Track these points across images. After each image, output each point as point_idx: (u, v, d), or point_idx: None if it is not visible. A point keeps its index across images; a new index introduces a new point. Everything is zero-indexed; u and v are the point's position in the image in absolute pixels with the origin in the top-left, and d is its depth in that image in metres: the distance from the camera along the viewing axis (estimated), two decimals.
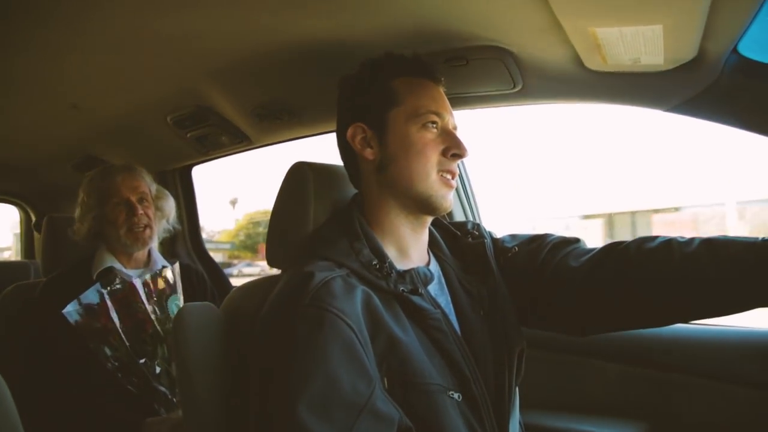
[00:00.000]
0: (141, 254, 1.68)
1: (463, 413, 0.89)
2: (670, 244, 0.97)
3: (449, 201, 1.00)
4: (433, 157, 0.97)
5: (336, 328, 0.80)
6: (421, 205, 0.99)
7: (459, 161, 1.00)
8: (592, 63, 1.13)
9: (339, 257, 0.92)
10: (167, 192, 1.79)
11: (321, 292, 0.83)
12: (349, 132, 1.02)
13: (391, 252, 0.98)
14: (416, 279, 0.94)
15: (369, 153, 1.00)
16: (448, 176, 0.99)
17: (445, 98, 1.04)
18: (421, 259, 1.03)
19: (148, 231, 1.64)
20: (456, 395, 0.89)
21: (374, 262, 0.92)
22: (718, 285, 0.91)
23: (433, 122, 0.98)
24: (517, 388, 1.07)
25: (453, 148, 0.98)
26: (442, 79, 1.06)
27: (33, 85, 1.52)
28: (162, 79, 1.51)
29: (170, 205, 1.78)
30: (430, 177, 0.97)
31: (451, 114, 1.03)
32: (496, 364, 0.99)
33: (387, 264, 0.93)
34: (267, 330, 0.85)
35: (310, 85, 1.49)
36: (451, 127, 1.02)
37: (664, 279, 0.95)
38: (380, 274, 0.91)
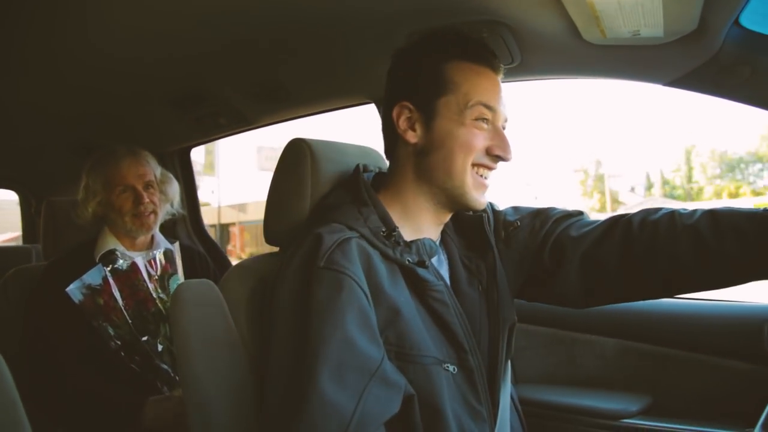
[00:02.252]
0: (144, 237, 1.68)
1: (458, 385, 0.90)
2: (672, 216, 0.97)
3: (482, 202, 0.97)
4: (474, 151, 0.94)
5: (353, 293, 0.81)
6: (453, 201, 0.97)
7: (499, 162, 0.97)
8: (591, 36, 1.12)
9: (348, 221, 0.91)
10: (171, 176, 1.78)
11: (336, 253, 0.83)
12: (396, 110, 0.98)
13: (404, 225, 0.97)
14: (422, 250, 0.94)
15: (411, 136, 0.97)
16: (483, 171, 0.96)
17: (501, 89, 0.98)
18: (429, 235, 1.01)
19: (152, 217, 1.64)
20: (451, 368, 0.90)
21: (382, 230, 0.92)
22: (719, 256, 0.91)
23: (485, 118, 0.94)
24: (509, 362, 1.07)
25: (498, 149, 0.94)
26: (502, 66, 1.00)
27: (31, 67, 1.51)
28: (160, 61, 1.50)
29: (174, 188, 1.77)
30: (466, 171, 0.94)
31: (504, 107, 0.97)
32: (491, 338, 1.00)
33: (395, 233, 0.92)
34: (282, 294, 0.85)
35: (308, 64, 1.48)
36: (501, 122, 0.97)
37: (666, 251, 0.95)
38: (387, 242, 0.91)
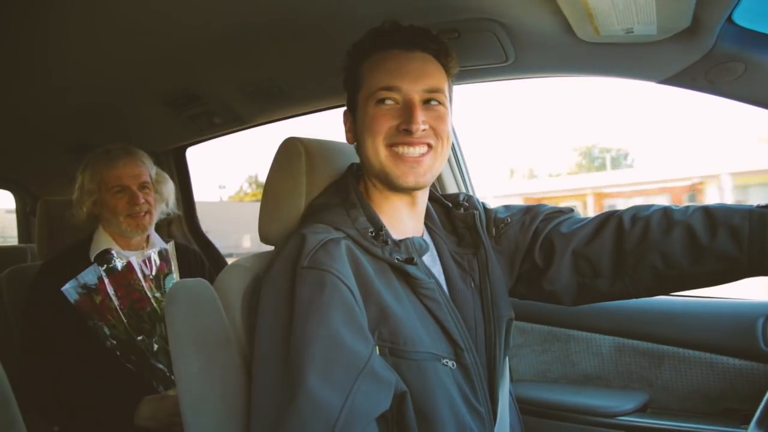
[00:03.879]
0: (139, 237, 1.67)
1: (456, 381, 0.90)
2: (665, 212, 0.97)
3: (411, 178, 0.94)
4: (381, 132, 0.93)
5: (337, 290, 0.81)
6: (386, 183, 0.97)
7: (413, 135, 0.92)
8: (585, 34, 1.12)
9: (336, 222, 0.93)
10: (167, 175, 1.77)
11: (319, 253, 0.84)
12: (343, 118, 1.05)
13: (385, 219, 0.97)
14: (411, 248, 0.94)
15: (350, 137, 1.03)
16: (402, 149, 0.93)
17: (414, 64, 0.95)
18: (415, 232, 1.03)
19: (147, 217, 1.63)
20: (450, 363, 0.90)
21: (370, 230, 0.92)
22: (712, 253, 0.91)
23: (387, 98, 0.93)
24: (507, 359, 1.07)
25: (402, 124, 0.92)
26: (422, 41, 0.97)
27: (24, 68, 1.51)
28: (153, 60, 1.49)
29: (169, 188, 1.77)
30: (379, 154, 0.94)
31: (415, 82, 0.94)
32: (486, 334, 1.00)
33: (383, 232, 0.93)
34: (270, 293, 0.86)
35: (301, 62, 1.48)
36: (415, 96, 0.94)
37: (658, 247, 0.95)
38: (376, 242, 0.91)
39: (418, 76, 0.94)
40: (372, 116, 0.94)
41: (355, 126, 1.01)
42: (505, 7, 1.13)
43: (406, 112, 0.93)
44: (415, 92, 0.94)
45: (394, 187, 0.97)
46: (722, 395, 1.41)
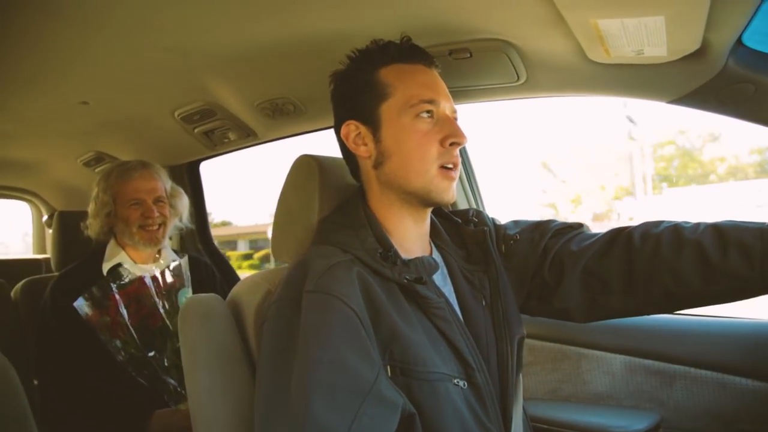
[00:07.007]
0: (152, 250, 1.69)
1: (467, 401, 0.89)
2: (675, 229, 0.96)
3: (451, 194, 0.97)
4: (431, 149, 0.93)
5: (341, 313, 0.80)
6: (422, 200, 0.97)
7: (458, 149, 0.96)
8: (596, 55, 1.13)
9: (344, 243, 0.92)
10: (181, 190, 1.80)
11: (325, 277, 0.84)
12: (343, 130, 1.00)
13: (392, 239, 0.97)
14: (421, 268, 0.93)
15: (364, 151, 0.98)
16: (450, 167, 0.95)
17: (440, 81, 0.99)
18: (423, 250, 1.02)
19: (161, 230, 1.65)
20: (462, 383, 0.89)
21: (379, 251, 0.92)
22: (723, 272, 0.90)
23: (428, 111, 0.94)
24: (520, 377, 1.07)
25: (451, 137, 0.94)
26: (435, 60, 1.01)
27: (42, 81, 1.54)
28: (169, 75, 1.52)
29: (184, 203, 1.79)
30: (429, 172, 0.94)
31: (448, 98, 0.98)
32: (499, 353, 0.99)
33: (392, 252, 0.92)
34: (274, 317, 0.85)
35: (315, 79, 1.49)
36: (448, 113, 0.97)
37: (669, 265, 0.94)
38: (385, 263, 0.91)
39: (447, 95, 0.98)
40: (417, 132, 0.93)
41: (376, 138, 0.97)
42: (517, 29, 1.14)
43: (449, 126, 0.95)
44: (449, 110, 0.97)
45: (433, 204, 0.98)
46: (735, 416, 1.39)
